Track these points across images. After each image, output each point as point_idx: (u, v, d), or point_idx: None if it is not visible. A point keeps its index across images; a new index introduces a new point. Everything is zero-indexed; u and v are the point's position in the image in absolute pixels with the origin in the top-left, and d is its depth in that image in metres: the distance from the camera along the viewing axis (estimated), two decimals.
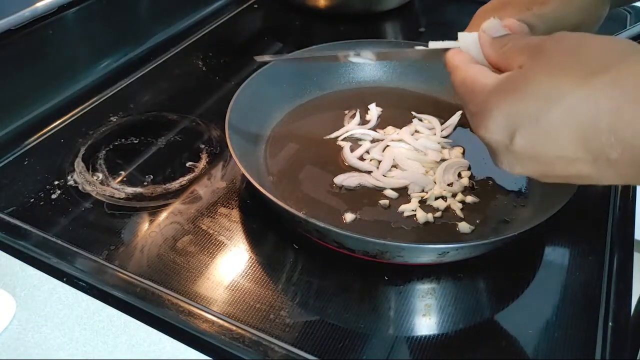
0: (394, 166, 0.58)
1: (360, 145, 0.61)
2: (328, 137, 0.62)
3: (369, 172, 0.57)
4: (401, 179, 0.55)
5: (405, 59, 0.68)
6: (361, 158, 0.59)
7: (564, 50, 0.33)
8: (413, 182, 0.55)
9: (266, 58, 0.58)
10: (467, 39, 0.41)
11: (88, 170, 0.58)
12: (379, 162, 0.58)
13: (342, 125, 0.64)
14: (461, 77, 0.38)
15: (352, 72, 0.70)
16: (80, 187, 0.56)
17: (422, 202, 0.54)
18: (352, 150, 0.60)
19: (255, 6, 0.94)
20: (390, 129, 0.63)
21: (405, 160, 0.58)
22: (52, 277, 0.47)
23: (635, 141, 0.29)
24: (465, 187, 0.56)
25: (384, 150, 0.60)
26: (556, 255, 0.51)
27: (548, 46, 0.34)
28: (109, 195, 0.55)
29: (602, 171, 0.32)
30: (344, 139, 0.62)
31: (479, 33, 0.40)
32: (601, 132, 0.30)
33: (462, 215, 0.53)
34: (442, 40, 0.43)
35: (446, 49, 0.42)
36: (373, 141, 0.62)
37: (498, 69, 0.38)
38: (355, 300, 0.46)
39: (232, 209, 0.54)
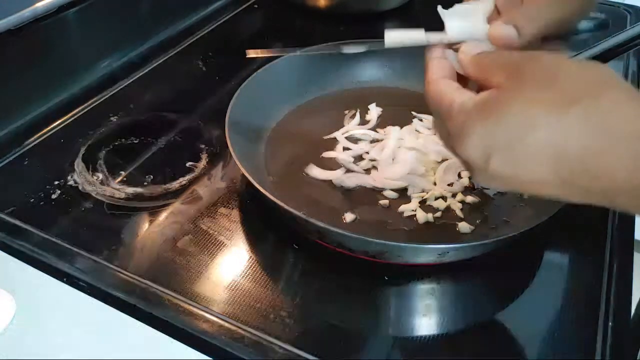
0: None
1: (357, 144, 0.61)
2: (328, 137, 0.62)
3: (357, 172, 0.57)
4: (400, 181, 0.55)
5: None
6: (360, 157, 0.59)
7: (540, 77, 0.33)
8: (412, 183, 0.55)
9: (258, 53, 0.58)
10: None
11: (88, 170, 0.58)
12: (374, 160, 0.59)
13: (342, 125, 0.64)
14: (437, 93, 0.38)
15: (352, 72, 0.70)
16: (80, 187, 0.56)
17: (422, 202, 0.54)
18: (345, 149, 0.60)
19: (255, 6, 0.94)
20: (390, 128, 0.63)
21: (404, 152, 0.58)
22: (52, 277, 0.46)
23: (601, 173, 0.31)
24: (465, 187, 0.56)
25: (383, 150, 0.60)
26: (556, 256, 0.51)
27: (526, 69, 0.34)
28: (109, 195, 0.55)
29: (572, 195, 0.34)
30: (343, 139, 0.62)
31: (458, 55, 0.40)
32: (571, 161, 0.32)
33: (462, 215, 0.53)
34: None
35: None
36: (372, 141, 0.62)
37: (476, 82, 0.39)
38: (355, 300, 0.46)
39: (232, 209, 0.54)
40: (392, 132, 0.61)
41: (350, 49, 0.52)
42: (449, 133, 0.37)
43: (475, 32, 0.41)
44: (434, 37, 0.42)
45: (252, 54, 0.56)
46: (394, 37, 0.43)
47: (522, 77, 0.34)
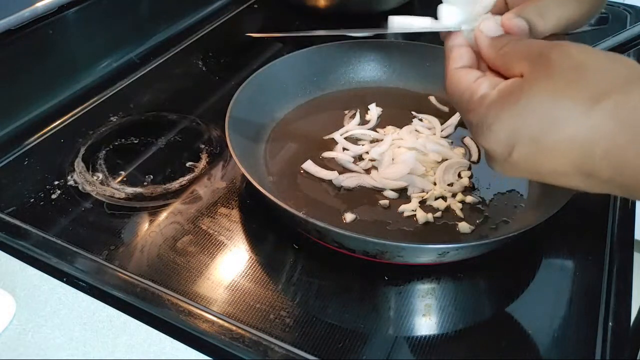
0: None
1: (357, 144, 0.61)
2: (327, 137, 0.62)
3: (360, 172, 0.57)
4: (400, 181, 0.55)
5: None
6: (360, 157, 0.59)
7: (568, 68, 0.33)
8: (412, 183, 0.55)
9: (261, 35, 0.58)
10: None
11: (88, 170, 0.58)
12: (374, 160, 0.59)
13: (342, 125, 0.64)
14: (457, 85, 0.38)
15: (352, 72, 0.70)
16: (80, 187, 0.56)
17: (422, 202, 0.54)
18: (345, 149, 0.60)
19: (255, 6, 0.94)
20: (390, 128, 0.63)
21: (404, 152, 0.58)
22: (52, 277, 0.47)
23: (626, 168, 0.31)
24: (465, 187, 0.56)
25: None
26: (556, 256, 0.51)
27: (553, 58, 0.33)
28: (109, 195, 0.55)
29: (592, 186, 0.34)
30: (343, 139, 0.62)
31: (475, 32, 0.40)
32: (595, 156, 0.32)
33: (462, 215, 0.53)
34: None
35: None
36: (372, 141, 0.62)
37: (496, 70, 0.38)
38: (355, 300, 0.46)
39: (232, 209, 0.54)
40: (388, 133, 0.61)
41: (355, 33, 0.52)
42: (471, 123, 0.36)
43: (473, 21, 0.41)
44: (437, 24, 0.42)
45: (254, 36, 0.56)
46: (398, 22, 0.43)
47: (548, 67, 0.33)
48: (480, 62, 0.40)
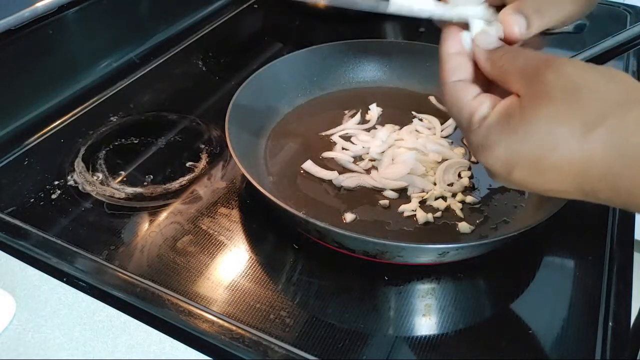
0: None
1: (355, 144, 0.61)
2: (324, 133, 0.62)
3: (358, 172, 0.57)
4: (400, 181, 0.55)
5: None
6: (360, 157, 0.59)
7: (563, 91, 0.33)
8: (412, 183, 0.55)
9: None
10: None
11: (88, 170, 0.58)
12: (374, 160, 0.59)
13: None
14: (455, 101, 0.38)
15: (352, 72, 0.70)
16: (80, 187, 0.56)
17: (422, 202, 0.54)
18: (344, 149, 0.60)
19: (255, 6, 0.94)
20: (390, 127, 0.63)
21: (404, 152, 0.58)
22: (52, 277, 0.47)
23: (622, 191, 0.32)
24: (465, 187, 0.56)
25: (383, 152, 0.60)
26: (556, 256, 0.51)
27: (549, 80, 0.34)
28: (109, 195, 0.55)
29: (593, 201, 0.35)
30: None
31: (473, 46, 0.39)
32: (593, 178, 0.33)
33: (462, 215, 0.53)
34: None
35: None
36: (368, 130, 0.62)
37: (493, 80, 0.38)
38: (355, 300, 0.46)
39: (232, 209, 0.54)
40: (384, 130, 0.62)
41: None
42: (471, 143, 0.37)
43: (469, 11, 0.40)
44: (440, 9, 0.41)
45: None
46: (399, 3, 0.43)
47: (544, 89, 0.34)
48: (478, 71, 0.40)
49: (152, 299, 0.45)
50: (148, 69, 0.76)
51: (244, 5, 0.93)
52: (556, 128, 0.33)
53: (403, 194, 0.55)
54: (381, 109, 0.66)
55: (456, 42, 0.40)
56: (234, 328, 0.43)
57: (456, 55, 0.40)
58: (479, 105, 0.37)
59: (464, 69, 0.39)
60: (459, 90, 0.38)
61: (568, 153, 0.33)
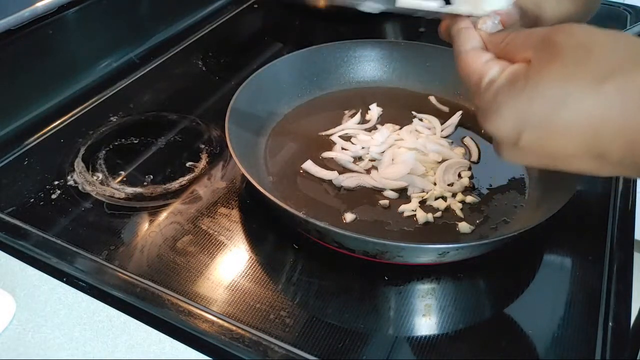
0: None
1: (355, 144, 0.61)
2: (324, 133, 0.62)
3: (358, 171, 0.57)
4: (400, 181, 0.55)
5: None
6: (360, 157, 0.59)
7: (574, 48, 0.33)
8: (412, 183, 0.55)
9: None
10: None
11: (88, 170, 0.58)
12: (374, 160, 0.59)
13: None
14: (465, 67, 0.38)
15: (352, 72, 0.70)
16: (80, 187, 0.56)
17: (422, 202, 0.54)
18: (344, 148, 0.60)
19: (255, 6, 0.94)
20: (390, 126, 0.63)
21: (404, 152, 0.58)
22: (52, 277, 0.47)
23: (634, 147, 0.31)
24: (465, 187, 0.56)
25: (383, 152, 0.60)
26: (556, 256, 0.51)
27: (558, 40, 0.33)
28: (109, 195, 0.55)
29: (602, 168, 0.33)
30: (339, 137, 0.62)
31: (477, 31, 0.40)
32: (606, 136, 0.31)
33: (462, 215, 0.53)
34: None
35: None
36: (368, 130, 0.62)
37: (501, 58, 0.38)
38: (355, 300, 0.46)
39: (232, 209, 0.54)
40: (384, 130, 0.62)
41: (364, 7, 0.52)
42: (479, 106, 0.36)
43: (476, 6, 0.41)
44: (446, 7, 0.41)
45: None
46: (406, 1, 0.43)
47: (554, 49, 0.33)
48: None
49: (152, 299, 0.45)
50: (148, 69, 0.76)
51: (244, 5, 0.93)
52: (565, 84, 0.32)
53: (403, 194, 0.55)
54: (381, 109, 0.66)
55: (466, 21, 0.41)
56: (234, 328, 0.43)
57: (467, 28, 0.40)
58: (488, 69, 0.37)
59: (475, 39, 0.40)
60: (471, 56, 0.38)
61: (580, 108, 0.31)
